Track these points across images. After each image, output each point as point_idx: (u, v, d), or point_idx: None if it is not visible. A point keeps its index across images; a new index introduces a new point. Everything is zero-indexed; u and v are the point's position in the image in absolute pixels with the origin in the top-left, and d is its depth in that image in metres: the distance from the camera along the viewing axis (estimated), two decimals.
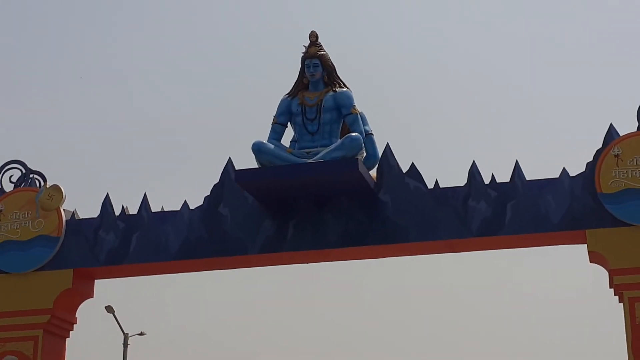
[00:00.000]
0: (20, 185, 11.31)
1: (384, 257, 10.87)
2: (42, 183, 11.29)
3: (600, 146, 10.06)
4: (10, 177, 11.36)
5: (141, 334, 29.58)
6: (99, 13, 35.33)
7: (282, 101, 10.76)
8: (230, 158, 10.83)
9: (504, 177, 10.24)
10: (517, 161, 10.26)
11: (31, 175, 11.34)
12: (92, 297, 11.38)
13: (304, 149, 10.46)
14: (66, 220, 11.04)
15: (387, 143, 10.58)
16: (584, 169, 10.07)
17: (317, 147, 10.40)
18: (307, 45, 10.72)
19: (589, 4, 34.73)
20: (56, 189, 11.17)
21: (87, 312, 12.02)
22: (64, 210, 11.11)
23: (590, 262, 10.16)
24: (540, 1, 34.04)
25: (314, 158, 10.22)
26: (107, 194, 11.16)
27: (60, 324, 11.02)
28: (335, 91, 10.62)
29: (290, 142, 10.77)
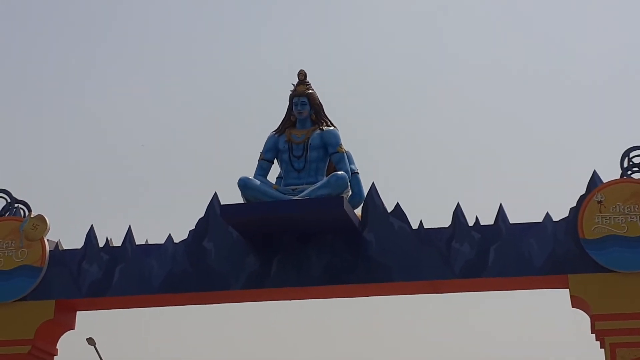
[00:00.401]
0: (4, 214, 11.28)
1: (367, 296, 10.88)
2: (27, 213, 11.27)
3: (583, 192, 10.13)
4: None
5: None
6: (81, 49, 35.39)
7: (269, 138, 10.82)
8: (215, 193, 10.86)
9: (488, 219, 10.30)
10: (501, 204, 10.31)
11: (16, 205, 11.32)
12: (73, 328, 11.33)
13: (289, 185, 10.49)
14: (50, 251, 11.02)
15: (373, 182, 10.63)
16: (567, 214, 10.13)
17: (302, 185, 10.43)
18: (295, 83, 10.79)
19: (572, 52, 35.00)
20: (40, 219, 11.16)
21: (68, 344, 11.95)
22: (47, 240, 11.08)
23: (572, 306, 10.19)
24: (526, 47, 34.28)
25: (300, 195, 10.24)
26: (92, 226, 11.15)
27: (41, 355, 10.95)
28: (322, 129, 10.68)
29: (276, 178, 10.80)
